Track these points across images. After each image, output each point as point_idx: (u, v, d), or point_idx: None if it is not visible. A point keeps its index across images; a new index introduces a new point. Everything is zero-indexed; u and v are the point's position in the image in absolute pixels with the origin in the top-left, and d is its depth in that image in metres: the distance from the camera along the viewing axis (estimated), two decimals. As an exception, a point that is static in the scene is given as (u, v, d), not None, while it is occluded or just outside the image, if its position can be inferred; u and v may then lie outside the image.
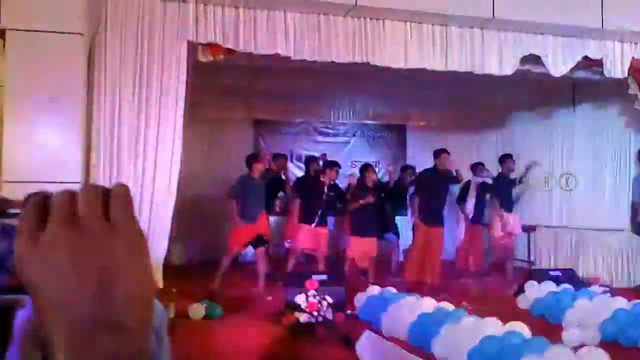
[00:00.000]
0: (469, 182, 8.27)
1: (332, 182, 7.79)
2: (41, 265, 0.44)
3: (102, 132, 5.36)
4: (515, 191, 8.46)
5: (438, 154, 7.60)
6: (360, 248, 7.51)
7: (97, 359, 0.43)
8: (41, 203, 0.46)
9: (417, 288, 6.83)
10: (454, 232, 8.85)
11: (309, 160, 9.00)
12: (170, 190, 5.61)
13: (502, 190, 7.85)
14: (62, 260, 0.44)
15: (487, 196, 8.09)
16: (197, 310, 5.82)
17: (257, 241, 7.05)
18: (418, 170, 8.61)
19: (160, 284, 5.63)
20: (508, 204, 7.78)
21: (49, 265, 0.44)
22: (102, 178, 5.27)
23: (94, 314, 0.43)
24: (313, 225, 7.53)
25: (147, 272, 0.47)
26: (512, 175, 8.12)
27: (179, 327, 5.20)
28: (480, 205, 8.36)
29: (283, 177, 8.49)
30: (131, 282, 0.45)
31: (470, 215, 8.39)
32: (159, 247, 5.46)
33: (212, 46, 5.74)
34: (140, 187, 5.43)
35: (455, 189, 8.42)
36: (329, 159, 8.80)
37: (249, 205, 6.99)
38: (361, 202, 7.49)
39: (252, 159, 7.34)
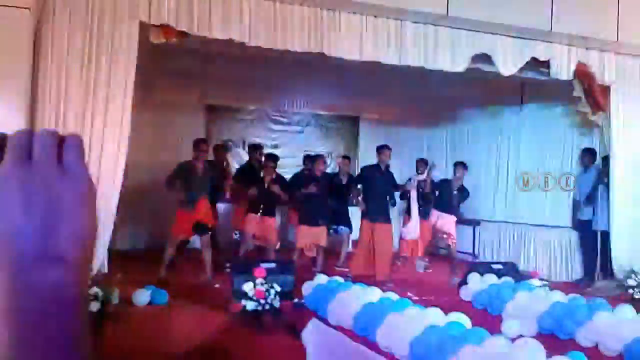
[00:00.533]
0: (409, 179, 8.30)
1: (274, 175, 7.71)
2: None
3: (47, 112, 5.16)
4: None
5: (380, 150, 7.56)
6: (310, 237, 7.53)
7: (39, 285, 0.47)
8: None
9: (364, 278, 6.89)
10: (401, 224, 8.98)
11: (252, 149, 8.82)
12: (117, 176, 5.45)
13: (441, 192, 8.14)
14: (13, 194, 0.47)
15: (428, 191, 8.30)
16: (142, 296, 5.73)
17: (199, 228, 6.94)
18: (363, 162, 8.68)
19: (105, 269, 5.52)
20: (443, 206, 8.06)
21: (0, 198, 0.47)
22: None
23: (38, 246, 0.47)
24: (258, 214, 7.49)
25: (92, 216, 0.51)
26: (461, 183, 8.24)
27: (122, 313, 5.10)
28: (424, 200, 8.49)
29: (224, 166, 8.43)
30: (76, 222, 0.49)
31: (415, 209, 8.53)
32: (103, 233, 5.32)
33: (164, 28, 5.60)
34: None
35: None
36: (280, 148, 8.74)
37: (188, 191, 6.89)
38: (303, 190, 7.50)
39: (196, 145, 7.17)
